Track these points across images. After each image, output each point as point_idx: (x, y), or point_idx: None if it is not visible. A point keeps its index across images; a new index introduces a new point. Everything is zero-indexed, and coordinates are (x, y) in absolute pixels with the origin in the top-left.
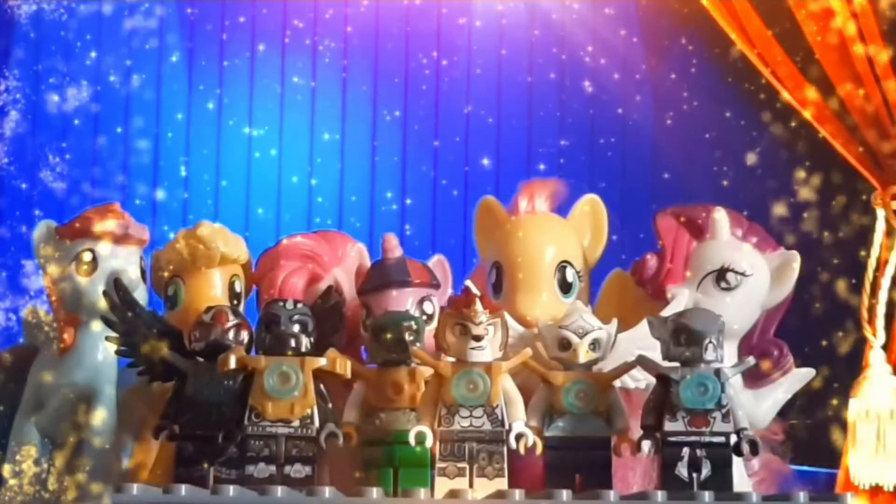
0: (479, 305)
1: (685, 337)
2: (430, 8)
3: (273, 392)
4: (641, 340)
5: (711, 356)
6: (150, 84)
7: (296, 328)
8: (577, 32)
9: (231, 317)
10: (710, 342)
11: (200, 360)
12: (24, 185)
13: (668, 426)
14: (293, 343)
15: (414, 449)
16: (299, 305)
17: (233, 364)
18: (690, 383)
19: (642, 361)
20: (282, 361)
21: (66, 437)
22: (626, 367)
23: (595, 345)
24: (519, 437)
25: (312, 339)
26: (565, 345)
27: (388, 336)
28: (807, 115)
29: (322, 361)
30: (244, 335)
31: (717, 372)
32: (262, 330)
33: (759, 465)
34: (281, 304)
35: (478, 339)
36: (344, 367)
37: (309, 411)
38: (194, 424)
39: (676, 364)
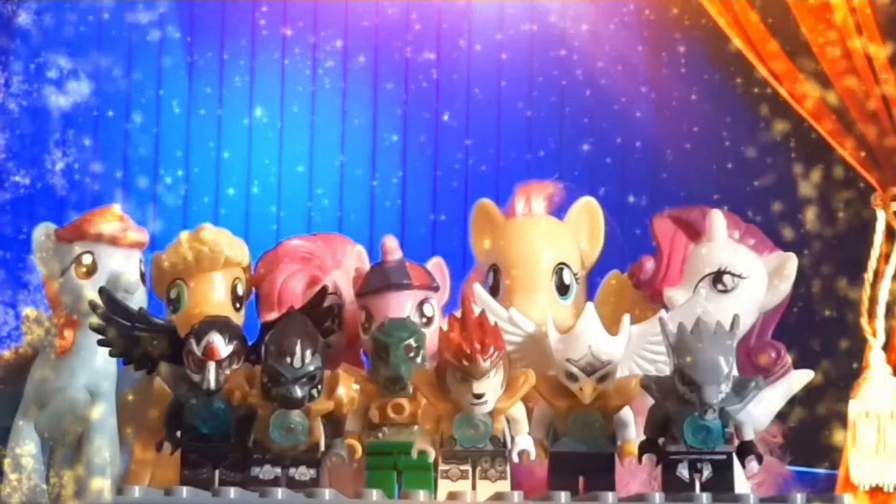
0: (480, 361)
1: (689, 381)
2: (430, 33)
3: (279, 441)
4: (653, 336)
5: (711, 417)
6: (150, 84)
7: (304, 381)
8: (576, 52)
9: (223, 348)
10: (712, 407)
11: (197, 385)
12: (24, 182)
13: (670, 447)
14: (299, 401)
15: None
16: (308, 357)
17: (237, 401)
18: (691, 425)
19: (647, 386)
20: (288, 415)
21: (66, 439)
22: (632, 395)
23: (603, 378)
24: (521, 453)
25: (320, 388)
26: (572, 377)
27: (387, 368)
28: (806, 115)
29: (329, 405)
30: (239, 362)
31: (722, 412)
32: (266, 378)
33: (757, 468)
34: (288, 360)
35: (479, 397)
36: (352, 404)
37: (315, 444)
38: (196, 444)
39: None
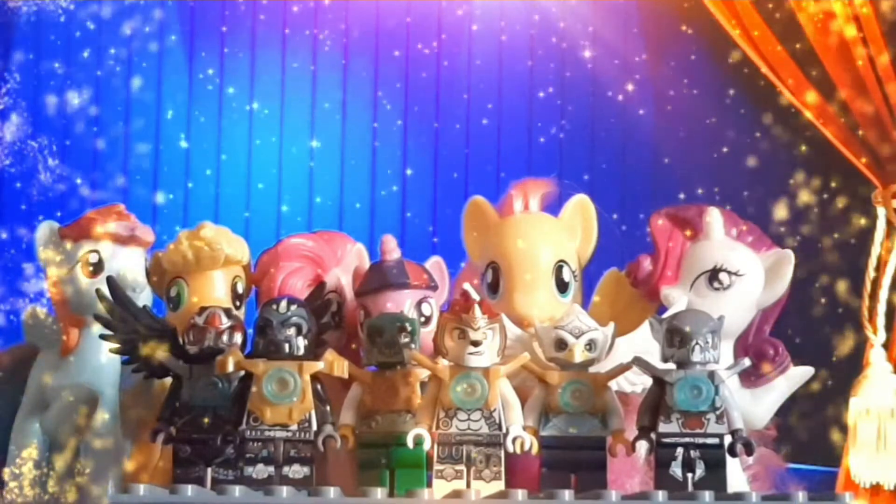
0: (477, 311)
1: (678, 338)
2: (430, 30)
3: (272, 398)
4: (640, 345)
5: (698, 357)
6: (150, 85)
7: (290, 331)
8: (576, 43)
9: (224, 319)
10: (697, 343)
11: (195, 363)
12: (22, 186)
13: (663, 427)
14: (287, 349)
15: (410, 450)
16: (293, 307)
17: (231, 367)
18: (684, 385)
19: (638, 362)
20: (280, 367)
21: (68, 438)
22: (622, 368)
23: (591, 345)
24: (516, 439)
25: (307, 341)
26: (561, 345)
27: (382, 338)
28: (807, 113)
29: (320, 365)
30: (238, 337)
31: (712, 374)
32: (257, 334)
33: (753, 459)
34: (273, 307)
35: (476, 344)
36: (341, 369)
37: (307, 415)
38: (191, 428)
39: (671, 366)
